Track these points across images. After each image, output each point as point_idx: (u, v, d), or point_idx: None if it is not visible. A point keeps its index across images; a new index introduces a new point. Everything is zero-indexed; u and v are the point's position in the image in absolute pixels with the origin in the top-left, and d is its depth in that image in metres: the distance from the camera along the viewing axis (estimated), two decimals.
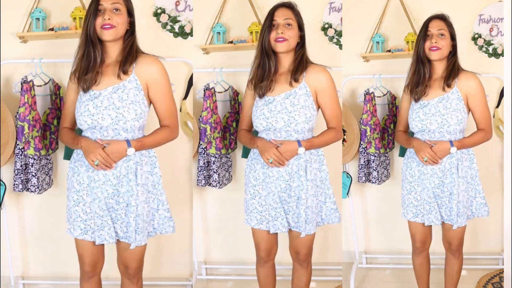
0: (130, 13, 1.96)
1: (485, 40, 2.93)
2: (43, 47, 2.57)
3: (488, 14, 2.93)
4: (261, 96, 2.10)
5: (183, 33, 2.67)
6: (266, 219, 2.14)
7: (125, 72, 1.90)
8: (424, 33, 2.21)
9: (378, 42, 2.90)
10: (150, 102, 1.99)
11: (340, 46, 2.83)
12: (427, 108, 2.19)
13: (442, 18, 2.22)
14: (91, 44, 1.89)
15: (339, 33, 2.82)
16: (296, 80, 2.07)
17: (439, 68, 2.23)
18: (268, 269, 2.30)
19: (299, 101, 2.05)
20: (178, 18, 2.67)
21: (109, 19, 1.86)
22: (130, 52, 1.94)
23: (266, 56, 2.09)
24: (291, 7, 2.11)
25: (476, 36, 2.94)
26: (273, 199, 2.11)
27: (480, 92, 2.18)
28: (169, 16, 2.66)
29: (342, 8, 2.81)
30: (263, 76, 2.10)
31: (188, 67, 2.67)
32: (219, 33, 2.74)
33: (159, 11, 2.65)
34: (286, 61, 2.12)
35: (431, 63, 2.23)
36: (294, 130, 2.05)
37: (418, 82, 2.23)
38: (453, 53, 2.23)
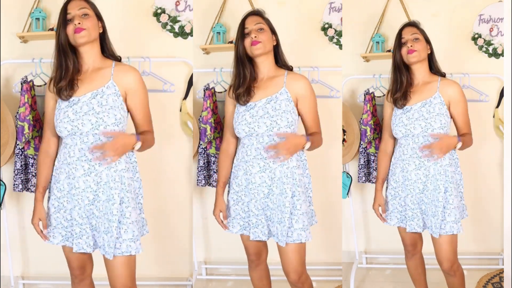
0: (99, 17, 1.97)
1: (485, 40, 2.93)
2: (43, 47, 2.57)
3: (488, 14, 2.93)
4: (242, 103, 2.09)
5: (183, 33, 2.67)
6: (249, 225, 2.13)
7: (104, 78, 1.92)
8: (398, 41, 2.22)
9: (378, 42, 2.90)
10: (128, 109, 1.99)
11: (340, 46, 2.83)
12: (410, 113, 2.18)
13: (414, 24, 2.24)
14: (63, 54, 1.91)
15: (339, 33, 2.82)
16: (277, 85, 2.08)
17: (419, 73, 2.22)
18: (261, 272, 2.29)
19: (280, 106, 2.05)
20: (178, 18, 2.67)
21: (79, 23, 1.88)
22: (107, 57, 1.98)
23: (241, 65, 2.11)
24: (259, 14, 2.13)
25: (476, 36, 2.94)
26: (255, 206, 2.09)
27: (462, 100, 2.18)
28: (169, 16, 2.66)
29: (342, 8, 2.81)
30: (239, 84, 2.11)
31: (188, 67, 2.67)
32: (219, 33, 2.74)
33: (159, 11, 2.65)
34: (264, 67, 2.12)
35: (409, 69, 2.23)
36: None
37: (397, 90, 2.23)
38: (431, 56, 2.24)
